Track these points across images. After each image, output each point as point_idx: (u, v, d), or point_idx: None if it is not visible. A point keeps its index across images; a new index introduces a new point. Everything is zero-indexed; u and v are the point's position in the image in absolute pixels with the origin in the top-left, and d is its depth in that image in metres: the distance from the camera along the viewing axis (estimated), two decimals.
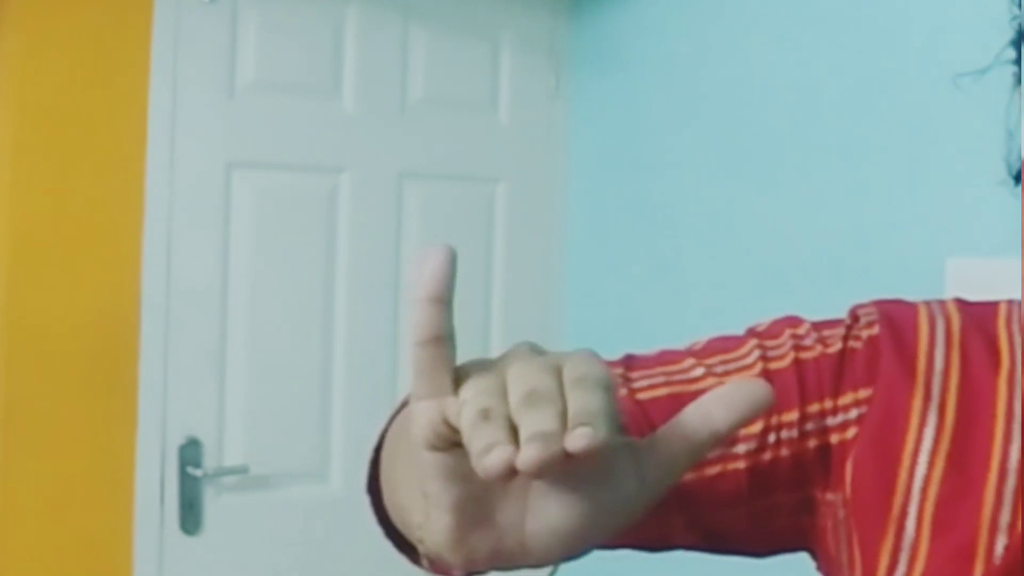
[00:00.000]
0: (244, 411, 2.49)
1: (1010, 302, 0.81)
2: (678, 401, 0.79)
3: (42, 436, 2.30)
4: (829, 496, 0.78)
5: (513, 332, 2.71)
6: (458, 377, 0.54)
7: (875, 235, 2.23)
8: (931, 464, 0.76)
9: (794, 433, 0.78)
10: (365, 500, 0.80)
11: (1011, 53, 0.82)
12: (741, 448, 0.78)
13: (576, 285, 2.79)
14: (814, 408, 0.79)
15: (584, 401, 0.52)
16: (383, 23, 2.62)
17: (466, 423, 0.52)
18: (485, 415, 0.51)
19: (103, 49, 2.34)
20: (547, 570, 0.59)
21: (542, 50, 2.81)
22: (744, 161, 2.48)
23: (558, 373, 0.54)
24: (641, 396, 0.79)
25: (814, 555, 0.82)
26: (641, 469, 0.56)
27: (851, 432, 0.78)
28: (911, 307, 0.82)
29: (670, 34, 2.63)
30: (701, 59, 2.57)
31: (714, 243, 2.53)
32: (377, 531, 0.79)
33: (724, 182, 2.52)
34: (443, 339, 0.54)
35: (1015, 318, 0.79)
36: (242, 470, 2.47)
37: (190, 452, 2.43)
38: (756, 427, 0.78)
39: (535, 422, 0.50)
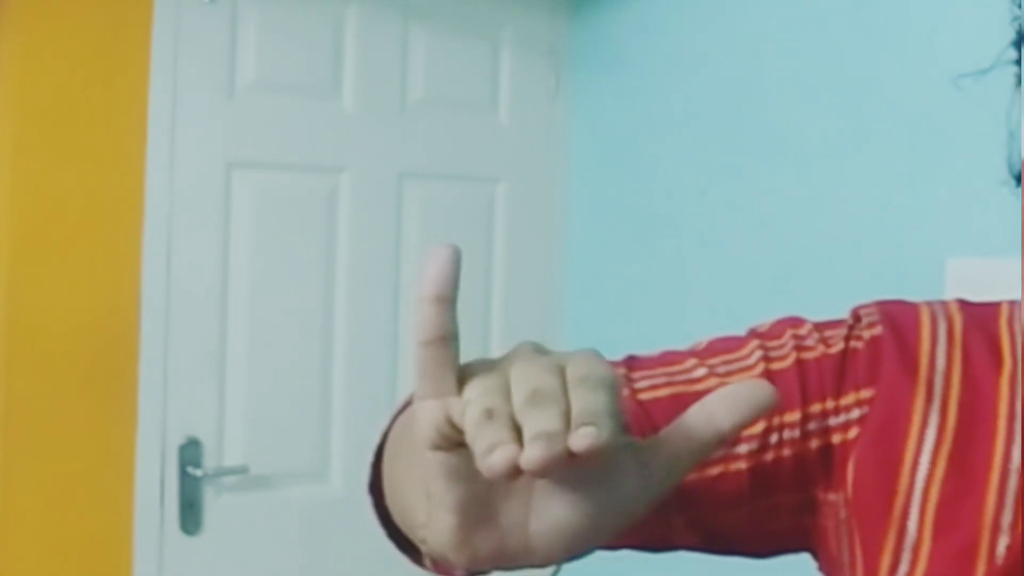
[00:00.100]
0: (244, 411, 2.49)
1: (1012, 302, 0.81)
2: (680, 401, 0.79)
3: (42, 436, 2.30)
4: (831, 496, 0.78)
5: (513, 332, 2.71)
6: (462, 377, 0.54)
7: (875, 235, 2.23)
8: (933, 464, 0.76)
9: (796, 433, 0.78)
10: (365, 500, 0.80)
11: (1012, 54, 0.82)
12: (743, 448, 0.78)
13: (576, 285, 2.79)
14: (816, 408, 0.79)
15: (588, 401, 0.52)
16: (383, 23, 2.62)
17: (470, 422, 0.51)
18: (489, 415, 0.51)
19: (103, 49, 2.34)
20: (550, 570, 0.59)
21: (542, 50, 2.81)
22: (744, 161, 2.48)
23: (562, 373, 0.54)
24: (643, 396, 0.79)
25: (816, 556, 0.82)
26: (645, 469, 0.55)
27: (853, 432, 0.78)
28: (913, 307, 0.82)
29: (670, 34, 2.63)
30: (701, 59, 2.57)
31: (714, 243, 2.53)
32: (377, 531, 0.79)
33: (724, 182, 2.52)
34: (447, 339, 0.54)
35: (1017, 318, 0.79)
36: (242, 470, 2.47)
37: (190, 452, 2.43)
38: (758, 427, 0.78)
39: (539, 422, 0.50)
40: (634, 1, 2.71)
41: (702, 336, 0.87)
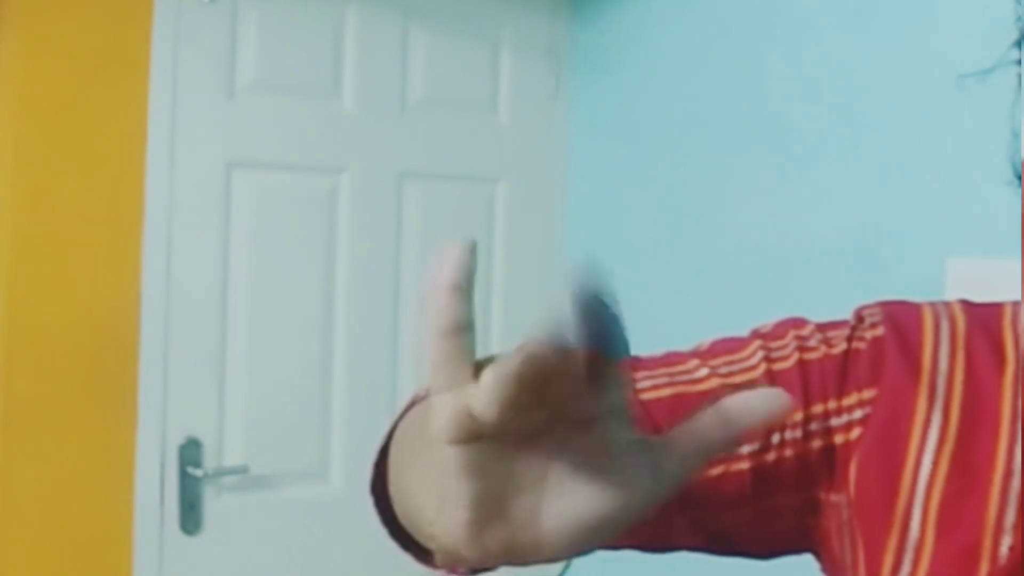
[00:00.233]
0: (244, 411, 2.49)
1: (1015, 303, 0.81)
2: (682, 401, 0.79)
3: (42, 436, 2.29)
4: (833, 497, 0.79)
5: (513, 332, 2.71)
6: (478, 371, 0.54)
7: (875, 235, 2.23)
8: (935, 464, 0.76)
9: (798, 433, 0.78)
10: (366, 500, 0.80)
11: (1015, 54, 0.82)
12: (745, 448, 0.78)
13: None
14: (818, 409, 0.79)
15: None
16: (383, 23, 2.62)
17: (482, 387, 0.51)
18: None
19: (103, 49, 2.34)
20: (559, 566, 0.59)
21: (542, 50, 2.81)
22: (744, 160, 2.48)
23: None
24: (645, 396, 0.79)
25: (819, 557, 0.82)
26: (654, 466, 0.55)
27: (855, 433, 0.78)
28: (916, 308, 0.82)
29: (670, 34, 2.63)
30: (701, 59, 2.57)
31: (714, 243, 2.53)
32: (378, 531, 0.79)
33: (724, 182, 2.52)
34: (463, 328, 0.53)
35: (1020, 319, 0.79)
36: (242, 470, 2.47)
37: (190, 452, 2.43)
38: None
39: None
40: (634, 1, 2.71)
41: (702, 336, 0.87)
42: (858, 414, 0.78)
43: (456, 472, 0.54)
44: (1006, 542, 0.72)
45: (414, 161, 2.67)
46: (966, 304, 0.82)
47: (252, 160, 2.50)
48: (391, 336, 2.63)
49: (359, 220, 2.60)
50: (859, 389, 0.79)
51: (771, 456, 0.78)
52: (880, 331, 0.80)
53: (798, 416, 0.78)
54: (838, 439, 0.78)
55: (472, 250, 0.52)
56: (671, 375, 0.81)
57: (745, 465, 0.78)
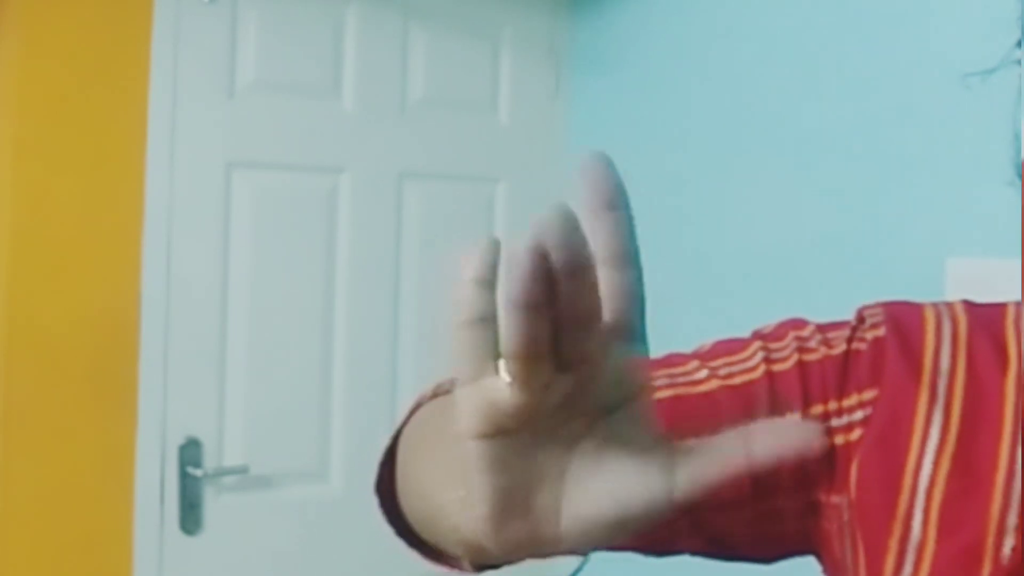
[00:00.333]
0: (244, 411, 2.49)
1: (1018, 303, 0.81)
2: (681, 403, 0.79)
3: (42, 436, 2.29)
4: (834, 499, 0.78)
5: None
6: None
7: (875, 235, 2.23)
8: (936, 464, 0.76)
9: None
10: (366, 500, 0.80)
11: (1017, 54, 0.82)
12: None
13: None
14: (817, 410, 0.79)
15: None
16: (383, 23, 2.62)
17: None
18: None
19: (103, 49, 2.34)
20: (577, 561, 0.59)
21: (542, 50, 2.81)
22: (744, 160, 2.48)
23: None
24: None
25: (820, 559, 0.82)
26: (669, 471, 0.55)
27: (856, 434, 0.78)
28: (918, 308, 0.82)
29: (670, 34, 2.63)
30: (701, 59, 2.57)
31: (714, 242, 2.53)
32: (377, 531, 0.79)
33: (724, 181, 2.52)
34: (487, 321, 0.52)
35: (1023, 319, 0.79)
36: (242, 470, 2.47)
37: (190, 452, 2.43)
38: None
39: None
40: (634, 1, 2.71)
41: (702, 336, 0.87)
42: (859, 415, 0.78)
43: (479, 466, 0.54)
44: (1009, 543, 0.72)
45: (414, 161, 2.67)
46: (968, 304, 0.82)
47: (252, 160, 2.50)
48: (391, 336, 2.63)
49: (359, 220, 2.60)
50: (860, 390, 0.79)
51: None
52: (881, 331, 0.80)
53: (797, 416, 0.78)
54: (838, 440, 0.78)
55: (497, 248, 0.52)
56: (671, 376, 0.81)
57: None
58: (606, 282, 0.53)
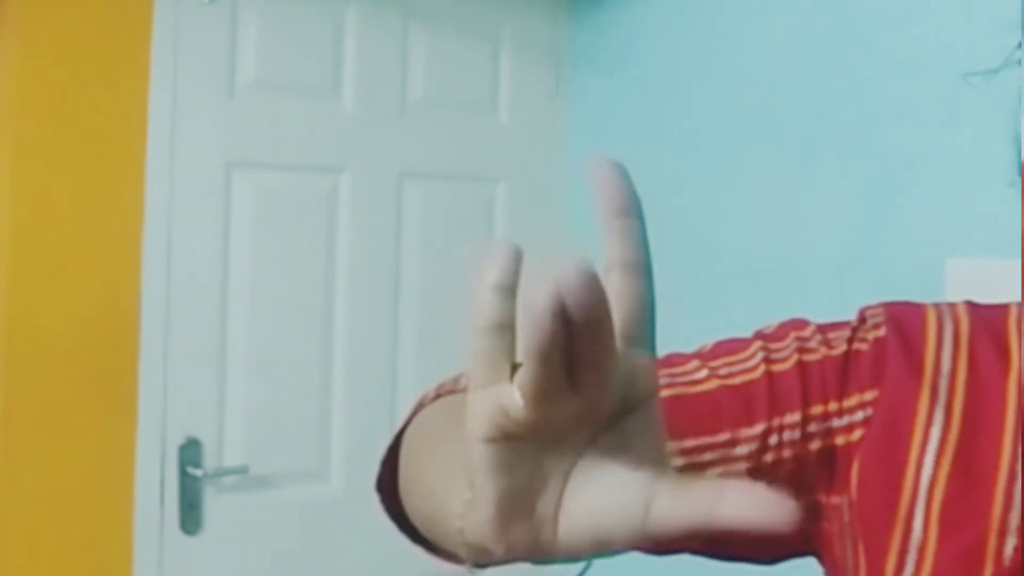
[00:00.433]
0: (244, 411, 2.49)
1: (1020, 305, 0.81)
2: (680, 402, 0.79)
3: (42, 436, 2.29)
4: (834, 500, 0.78)
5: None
6: (515, 371, 0.53)
7: (875, 235, 2.23)
8: (937, 464, 0.76)
9: (796, 435, 0.78)
10: (366, 500, 0.80)
11: (1019, 55, 0.82)
12: (742, 450, 0.78)
13: None
14: (817, 410, 0.79)
15: None
16: (383, 23, 2.62)
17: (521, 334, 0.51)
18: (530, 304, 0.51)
19: (103, 49, 2.33)
20: (580, 567, 0.60)
21: (542, 50, 2.81)
22: (745, 160, 2.48)
23: None
24: None
25: (821, 560, 0.82)
26: (650, 501, 0.55)
27: (857, 434, 0.78)
28: (919, 308, 0.82)
29: (670, 34, 2.63)
30: (701, 58, 2.57)
31: (714, 243, 2.53)
32: (377, 531, 0.79)
33: (724, 181, 2.52)
34: (506, 328, 0.53)
35: None
36: (242, 470, 2.47)
37: (190, 452, 2.43)
38: (757, 429, 0.78)
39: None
40: (634, 1, 2.71)
41: (701, 336, 0.88)
42: (859, 415, 0.78)
43: (485, 469, 0.54)
44: (1011, 543, 0.72)
45: (414, 161, 2.67)
46: (971, 305, 0.82)
47: (252, 160, 2.50)
48: (391, 336, 2.63)
49: (359, 220, 2.60)
50: (860, 390, 0.79)
51: (769, 457, 0.78)
52: (882, 332, 0.80)
53: (796, 417, 0.78)
54: (839, 440, 0.78)
55: (518, 254, 0.53)
56: (671, 376, 0.81)
57: (742, 466, 0.78)
58: (618, 289, 0.53)
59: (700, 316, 2.47)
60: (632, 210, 0.53)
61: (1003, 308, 0.81)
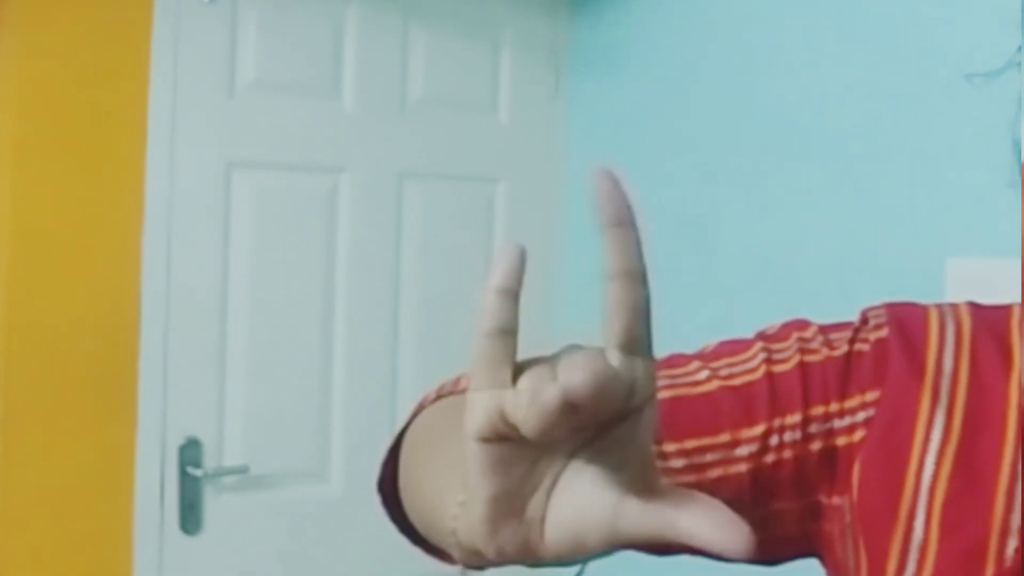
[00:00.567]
0: (244, 411, 2.49)
1: (1022, 305, 0.81)
2: (680, 404, 0.79)
3: (42, 436, 2.29)
4: (835, 500, 0.78)
5: None
6: (517, 372, 0.55)
7: (875, 235, 2.23)
8: (938, 465, 0.76)
9: (797, 435, 0.78)
10: (366, 500, 0.81)
11: (1020, 57, 0.82)
12: (743, 451, 0.78)
13: (576, 285, 2.79)
14: (818, 411, 0.79)
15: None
16: (383, 23, 2.62)
17: (521, 406, 0.52)
18: (537, 394, 0.52)
19: (103, 49, 2.33)
20: (575, 570, 0.60)
21: (542, 50, 2.81)
22: (744, 161, 2.48)
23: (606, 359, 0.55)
24: None
25: (823, 561, 0.82)
26: (624, 507, 0.56)
27: (858, 435, 0.78)
28: (921, 309, 0.82)
29: (670, 34, 2.63)
30: (701, 59, 2.57)
31: (714, 243, 2.53)
32: (376, 531, 0.80)
33: (724, 182, 2.52)
34: (508, 332, 0.54)
35: None
36: (242, 470, 2.47)
37: (190, 452, 2.43)
38: (758, 429, 0.79)
39: (579, 356, 0.52)
40: (634, 1, 2.71)
41: (701, 337, 0.88)
42: (861, 416, 0.78)
43: (479, 468, 0.55)
44: (1012, 543, 0.72)
45: (414, 161, 2.67)
46: (973, 306, 0.82)
47: (252, 160, 2.50)
48: (391, 336, 2.63)
49: (359, 220, 2.60)
50: (862, 391, 0.79)
51: (770, 458, 0.78)
52: (884, 332, 0.80)
53: (797, 418, 0.78)
54: (840, 441, 0.78)
55: (524, 257, 0.54)
56: (672, 377, 0.81)
57: (743, 467, 0.78)
58: (615, 297, 0.54)
59: (699, 315, 2.48)
60: (630, 219, 0.54)
61: (1005, 309, 0.81)
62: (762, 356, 0.81)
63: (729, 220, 2.50)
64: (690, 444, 0.79)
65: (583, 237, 2.80)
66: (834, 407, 0.79)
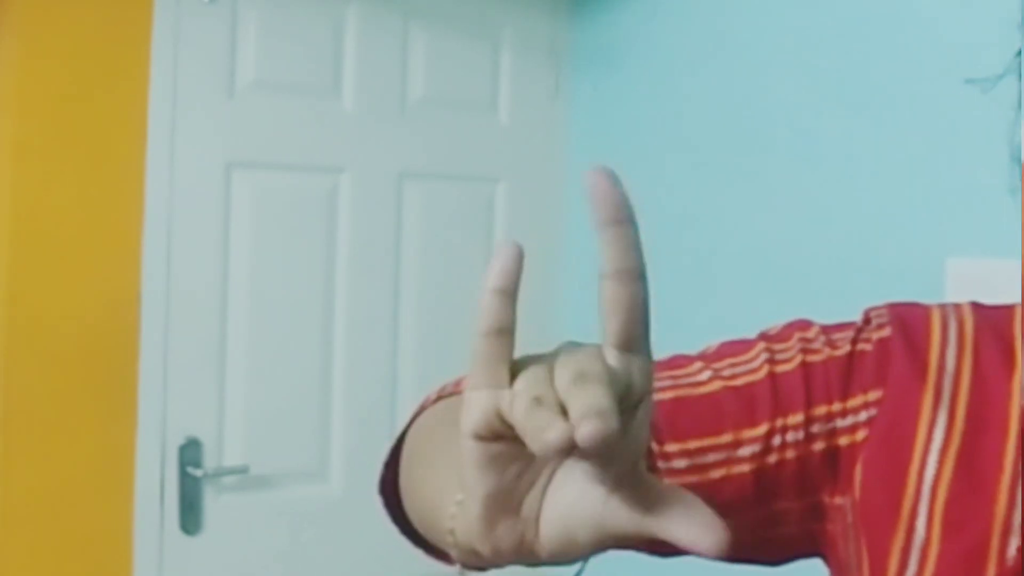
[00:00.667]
0: (244, 411, 2.49)
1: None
2: (682, 404, 0.79)
3: (42, 436, 2.29)
4: (838, 500, 0.79)
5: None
6: (514, 371, 0.55)
7: (875, 235, 2.23)
8: (940, 464, 0.76)
9: (800, 435, 0.78)
10: (366, 500, 0.81)
11: (1019, 60, 0.82)
12: (746, 451, 0.78)
13: (576, 285, 2.79)
14: (821, 411, 0.79)
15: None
16: (383, 23, 2.62)
17: (519, 411, 0.52)
18: (538, 402, 0.52)
19: (103, 49, 2.33)
20: (575, 568, 0.60)
21: (542, 50, 2.81)
22: (744, 161, 2.48)
23: (604, 359, 0.55)
24: None
25: (826, 561, 0.82)
26: (610, 504, 0.56)
27: (861, 434, 0.78)
28: (924, 309, 0.83)
29: (670, 34, 2.63)
30: (702, 59, 2.57)
31: (714, 243, 2.53)
32: (376, 531, 0.80)
33: (724, 182, 2.52)
34: (505, 331, 0.54)
35: None
36: (242, 470, 2.47)
37: (190, 452, 2.43)
38: (760, 430, 0.79)
39: (587, 398, 0.51)
40: (634, 1, 2.71)
41: (702, 337, 0.88)
42: (863, 416, 0.78)
43: (475, 466, 0.55)
44: (1014, 543, 0.72)
45: (414, 161, 2.67)
46: (976, 306, 0.82)
47: (252, 160, 2.50)
48: (391, 336, 2.63)
49: (359, 220, 2.60)
50: (864, 391, 0.79)
51: (772, 458, 0.78)
52: (886, 332, 0.80)
53: (799, 418, 0.79)
54: (843, 441, 0.78)
55: (520, 256, 0.54)
56: (674, 378, 0.81)
57: (746, 468, 0.78)
58: (613, 295, 0.54)
59: (700, 316, 2.48)
60: (626, 217, 0.54)
61: (1008, 309, 0.81)
62: (764, 356, 0.81)
63: (729, 220, 2.50)
64: (693, 444, 0.79)
65: (583, 237, 2.80)
66: (836, 407, 0.79)
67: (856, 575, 0.78)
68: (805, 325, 0.83)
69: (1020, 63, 0.82)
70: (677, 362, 0.83)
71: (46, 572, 2.32)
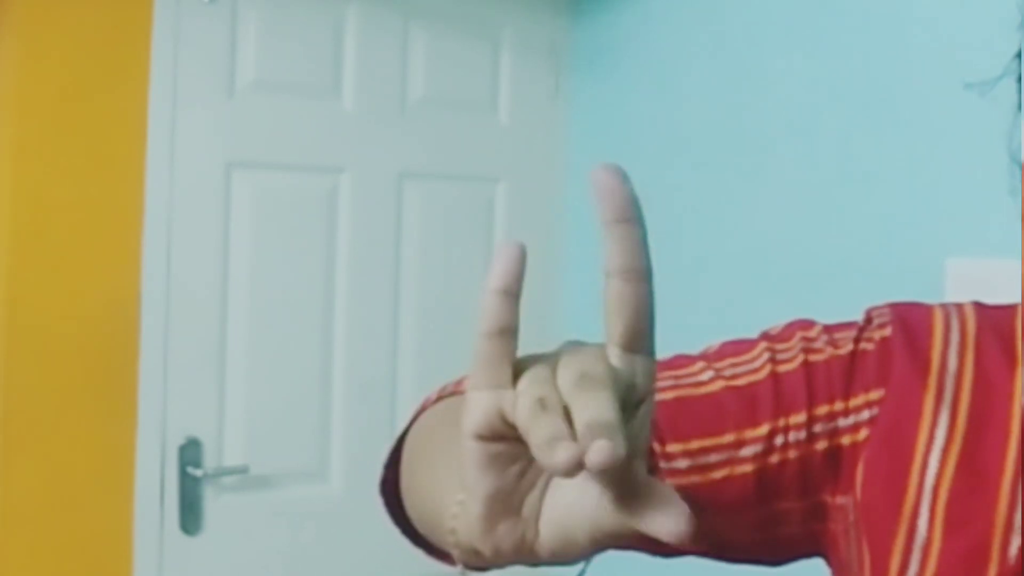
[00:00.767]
0: (244, 411, 2.49)
1: None
2: (683, 404, 0.79)
3: (42, 436, 2.29)
4: (839, 500, 0.79)
5: None
6: (516, 371, 0.55)
7: (875, 235, 2.23)
8: (942, 463, 0.76)
9: (802, 435, 0.78)
10: (366, 500, 0.81)
11: (1018, 63, 0.82)
12: (748, 451, 0.78)
13: (576, 285, 2.79)
14: (823, 410, 0.79)
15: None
16: (383, 23, 2.62)
17: (523, 414, 0.52)
18: (542, 404, 0.52)
19: (103, 49, 2.33)
20: (576, 569, 0.60)
21: (542, 50, 2.81)
22: (745, 161, 2.48)
23: (607, 359, 0.55)
24: None
25: (827, 560, 0.82)
26: (604, 504, 0.56)
27: (863, 434, 0.78)
28: (926, 308, 0.83)
29: (671, 34, 2.63)
30: (702, 59, 2.57)
31: (714, 243, 2.53)
32: (376, 531, 0.80)
33: (724, 182, 2.52)
34: (508, 332, 0.54)
35: None
36: (242, 470, 2.47)
37: (190, 452, 2.43)
38: (762, 430, 0.79)
39: (592, 407, 0.51)
40: (634, 1, 2.71)
41: (702, 337, 0.88)
42: (865, 415, 0.78)
43: (476, 466, 0.55)
44: (1016, 542, 0.72)
45: (414, 161, 2.67)
46: (978, 305, 0.82)
47: (252, 160, 2.50)
48: (391, 336, 2.63)
49: (359, 220, 2.60)
50: (866, 390, 0.79)
51: (774, 458, 0.78)
52: (888, 331, 0.80)
53: (801, 417, 0.79)
54: (845, 440, 0.78)
55: (523, 255, 0.53)
56: (676, 378, 0.81)
57: (748, 468, 0.78)
58: (618, 294, 0.54)
59: (700, 316, 2.48)
60: (633, 215, 0.53)
61: (1010, 308, 0.81)
62: (766, 356, 0.81)
63: (729, 220, 2.50)
64: (694, 445, 0.79)
65: (583, 237, 2.80)
66: (838, 406, 0.79)
67: (858, 575, 0.78)
68: (807, 325, 0.83)
69: (1019, 65, 0.82)
70: (679, 362, 0.83)
71: (46, 572, 2.32)
